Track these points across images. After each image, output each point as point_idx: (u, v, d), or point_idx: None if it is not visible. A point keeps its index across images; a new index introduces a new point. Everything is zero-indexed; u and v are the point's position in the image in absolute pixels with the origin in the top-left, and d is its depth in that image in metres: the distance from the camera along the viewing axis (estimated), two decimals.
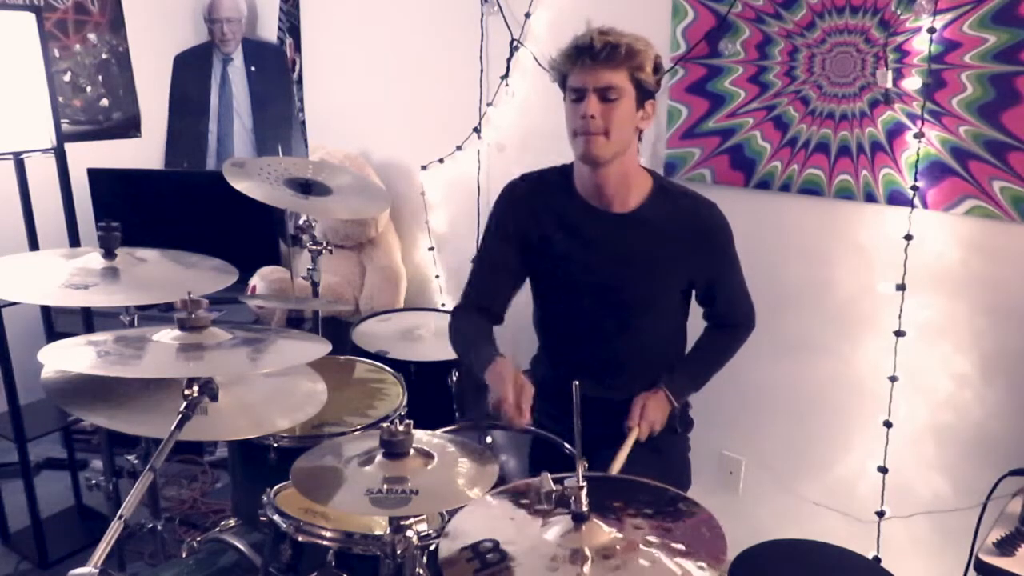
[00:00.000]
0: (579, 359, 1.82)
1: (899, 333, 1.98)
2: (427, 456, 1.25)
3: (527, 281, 1.85)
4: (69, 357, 1.26)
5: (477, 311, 1.81)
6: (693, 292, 1.83)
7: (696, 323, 1.89)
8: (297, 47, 3.39)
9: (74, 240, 2.43)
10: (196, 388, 1.21)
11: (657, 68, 1.64)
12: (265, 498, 1.49)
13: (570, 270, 1.76)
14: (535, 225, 1.77)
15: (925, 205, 1.92)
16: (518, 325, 1.90)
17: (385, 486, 1.17)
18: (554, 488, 1.09)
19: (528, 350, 1.97)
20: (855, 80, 1.97)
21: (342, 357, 2.14)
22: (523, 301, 1.87)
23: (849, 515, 2.15)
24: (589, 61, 1.57)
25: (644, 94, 1.62)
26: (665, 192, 1.74)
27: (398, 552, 1.23)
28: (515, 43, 2.62)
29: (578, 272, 1.75)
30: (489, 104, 2.74)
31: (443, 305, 3.03)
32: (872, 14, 1.91)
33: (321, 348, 1.38)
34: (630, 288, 1.74)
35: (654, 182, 1.75)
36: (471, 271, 1.87)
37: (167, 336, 1.32)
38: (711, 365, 1.87)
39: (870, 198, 2.00)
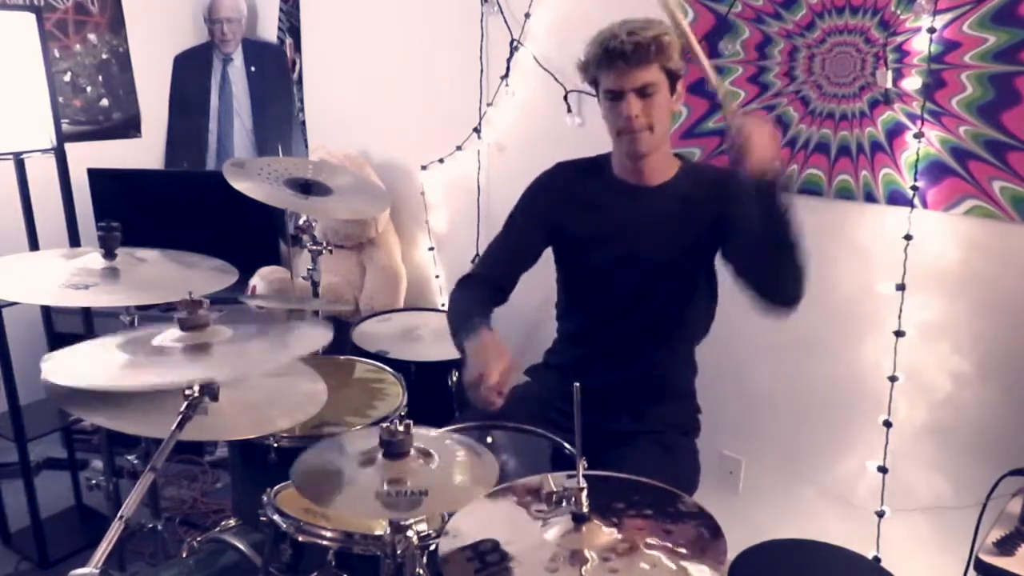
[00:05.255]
0: (604, 341, 1.82)
1: (899, 333, 1.98)
2: (427, 456, 1.25)
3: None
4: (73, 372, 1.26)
5: (485, 283, 1.82)
6: (720, 252, 1.72)
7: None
8: (297, 47, 3.39)
9: (74, 240, 2.43)
10: (196, 388, 1.21)
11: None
12: (265, 498, 1.49)
13: (600, 247, 1.77)
14: (565, 212, 1.80)
15: (925, 205, 1.92)
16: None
17: (391, 488, 1.16)
18: (555, 489, 1.09)
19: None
20: (855, 80, 1.97)
21: (342, 357, 2.14)
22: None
23: (849, 515, 2.15)
24: (623, 65, 1.61)
25: (674, 78, 1.67)
26: (697, 167, 1.84)
27: (398, 552, 1.23)
28: (515, 43, 2.62)
29: (606, 246, 1.76)
30: (489, 104, 2.74)
31: (443, 305, 3.03)
32: (872, 14, 1.91)
33: (322, 335, 1.39)
34: (657, 253, 1.73)
35: (685, 160, 1.82)
36: (489, 244, 1.90)
37: (168, 337, 1.31)
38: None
39: (870, 198, 2.00)
